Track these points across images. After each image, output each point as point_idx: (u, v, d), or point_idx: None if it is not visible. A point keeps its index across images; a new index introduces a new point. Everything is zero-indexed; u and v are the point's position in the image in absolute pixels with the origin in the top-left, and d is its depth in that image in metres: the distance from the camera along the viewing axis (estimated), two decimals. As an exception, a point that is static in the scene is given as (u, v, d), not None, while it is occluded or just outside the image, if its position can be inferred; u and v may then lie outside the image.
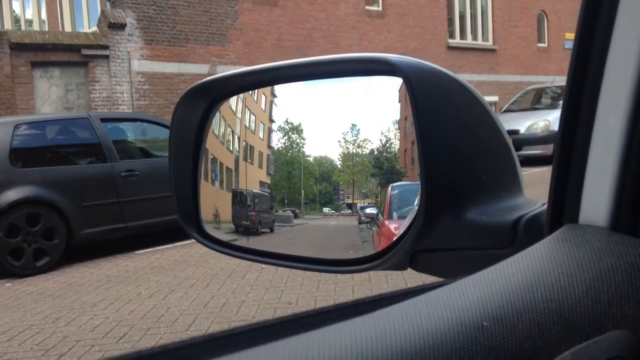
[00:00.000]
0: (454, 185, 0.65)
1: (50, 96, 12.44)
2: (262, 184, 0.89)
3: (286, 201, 0.86)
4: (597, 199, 0.48)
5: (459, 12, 20.68)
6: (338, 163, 0.80)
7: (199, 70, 13.86)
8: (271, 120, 0.86)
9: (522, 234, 0.61)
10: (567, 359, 0.37)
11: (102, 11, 13.19)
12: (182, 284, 5.75)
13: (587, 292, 0.41)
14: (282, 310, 4.65)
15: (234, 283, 5.57)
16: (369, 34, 17.49)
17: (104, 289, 5.84)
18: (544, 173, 9.94)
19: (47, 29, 16.74)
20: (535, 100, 15.81)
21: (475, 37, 21.16)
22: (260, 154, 0.87)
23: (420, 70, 0.66)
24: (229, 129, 0.92)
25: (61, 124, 7.81)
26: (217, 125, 0.91)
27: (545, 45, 23.12)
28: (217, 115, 0.91)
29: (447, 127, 0.65)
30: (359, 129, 0.76)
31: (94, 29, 13.59)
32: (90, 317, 4.89)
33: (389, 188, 0.75)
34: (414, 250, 0.67)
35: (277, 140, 0.85)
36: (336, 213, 0.81)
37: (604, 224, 0.48)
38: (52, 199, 6.98)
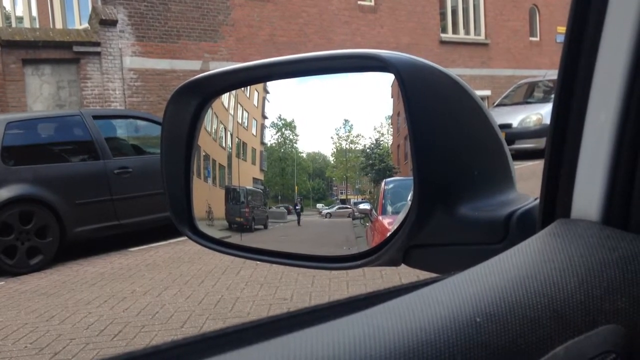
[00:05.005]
0: (446, 180, 0.65)
1: (42, 94, 12.37)
2: (255, 180, 0.89)
3: (279, 197, 0.86)
4: (588, 193, 0.48)
5: (451, 7, 20.69)
6: (331, 159, 0.80)
7: (192, 67, 13.81)
8: (264, 117, 0.86)
9: (515, 229, 0.61)
10: (560, 354, 0.37)
11: (94, 8, 13.11)
12: (176, 281, 5.74)
13: (579, 287, 0.41)
14: (277, 306, 4.65)
15: (229, 280, 5.57)
16: (362, 29, 17.47)
17: (98, 286, 5.83)
18: (537, 167, 9.98)
19: (38, 26, 16.63)
20: (528, 94, 15.84)
21: (467, 32, 21.18)
22: (253, 150, 0.87)
23: (412, 66, 0.66)
24: (222, 126, 0.92)
25: (53, 122, 7.76)
26: (210, 122, 0.91)
27: (537, 39, 23.17)
28: (210, 112, 0.90)
29: (439, 123, 0.65)
30: (352, 125, 0.76)
31: (85, 25, 13.52)
32: (85, 315, 4.87)
33: (383, 183, 0.75)
34: (407, 246, 0.67)
35: (270, 137, 0.85)
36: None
37: (596, 219, 0.48)
38: (45, 197, 6.95)
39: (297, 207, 0.83)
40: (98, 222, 7.39)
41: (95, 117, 7.87)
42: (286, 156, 0.84)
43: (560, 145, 0.51)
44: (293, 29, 15.99)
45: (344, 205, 0.79)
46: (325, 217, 0.80)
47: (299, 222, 0.83)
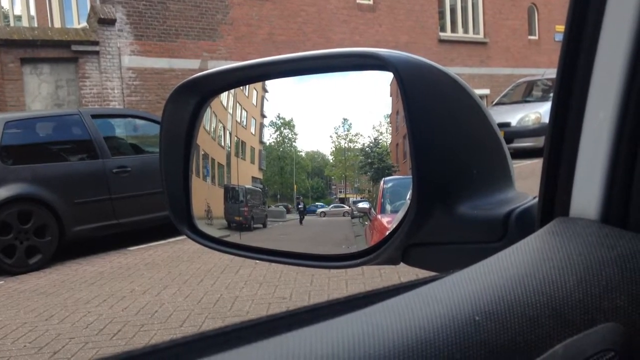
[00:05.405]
0: (445, 179, 0.65)
1: (41, 93, 12.36)
2: (254, 179, 0.89)
3: (278, 196, 0.86)
4: (587, 191, 0.48)
5: (450, 5, 20.68)
6: (330, 158, 0.80)
7: (190, 66, 13.80)
8: (263, 116, 0.86)
9: (514, 227, 0.61)
10: (559, 352, 0.37)
11: (92, 7, 13.09)
12: (175, 280, 5.74)
13: (578, 285, 0.41)
14: (276, 305, 4.65)
15: (228, 279, 5.57)
16: (360, 27, 17.46)
17: (97, 285, 5.82)
18: (536, 165, 9.98)
19: (36, 25, 16.62)
20: (527, 93, 15.85)
21: (466, 30, 21.18)
22: (252, 149, 0.87)
23: (411, 65, 0.66)
24: (220, 125, 0.92)
25: (52, 121, 7.76)
26: (208, 121, 0.91)
27: (536, 37, 23.17)
28: (208, 111, 0.90)
29: (438, 121, 0.65)
30: (351, 124, 0.76)
31: (84, 24, 13.50)
32: (84, 314, 4.87)
33: (382, 182, 0.75)
34: (406, 245, 0.67)
35: (269, 136, 0.85)
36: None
37: (594, 217, 0.48)
38: (44, 196, 6.94)
39: (299, 206, 0.83)
40: (97, 221, 7.38)
41: (94, 116, 7.86)
42: (285, 155, 0.84)
43: (559, 143, 0.51)
44: (292, 27, 15.98)
45: (340, 204, 0.79)
46: (320, 216, 0.80)
47: (301, 221, 0.82)
